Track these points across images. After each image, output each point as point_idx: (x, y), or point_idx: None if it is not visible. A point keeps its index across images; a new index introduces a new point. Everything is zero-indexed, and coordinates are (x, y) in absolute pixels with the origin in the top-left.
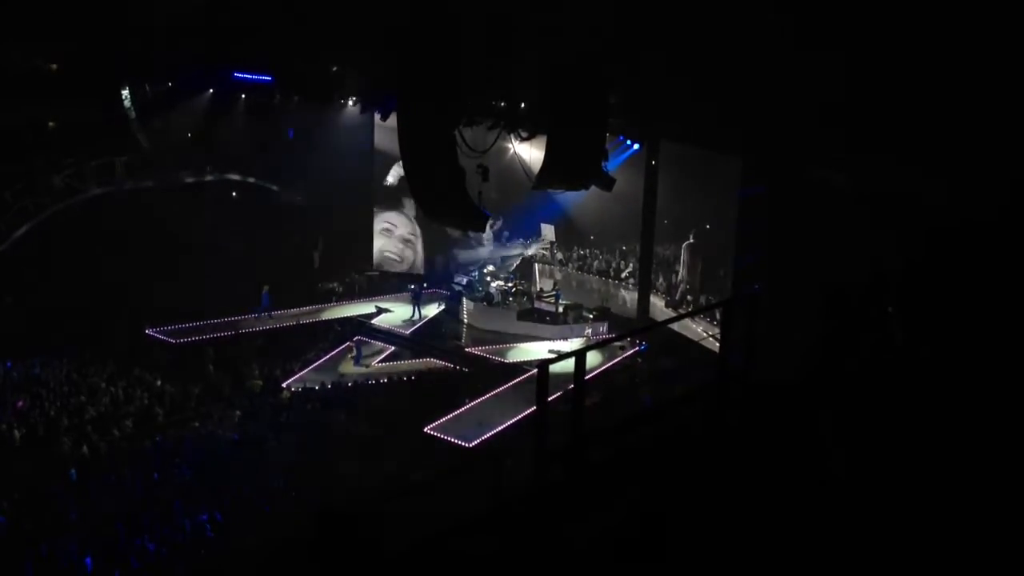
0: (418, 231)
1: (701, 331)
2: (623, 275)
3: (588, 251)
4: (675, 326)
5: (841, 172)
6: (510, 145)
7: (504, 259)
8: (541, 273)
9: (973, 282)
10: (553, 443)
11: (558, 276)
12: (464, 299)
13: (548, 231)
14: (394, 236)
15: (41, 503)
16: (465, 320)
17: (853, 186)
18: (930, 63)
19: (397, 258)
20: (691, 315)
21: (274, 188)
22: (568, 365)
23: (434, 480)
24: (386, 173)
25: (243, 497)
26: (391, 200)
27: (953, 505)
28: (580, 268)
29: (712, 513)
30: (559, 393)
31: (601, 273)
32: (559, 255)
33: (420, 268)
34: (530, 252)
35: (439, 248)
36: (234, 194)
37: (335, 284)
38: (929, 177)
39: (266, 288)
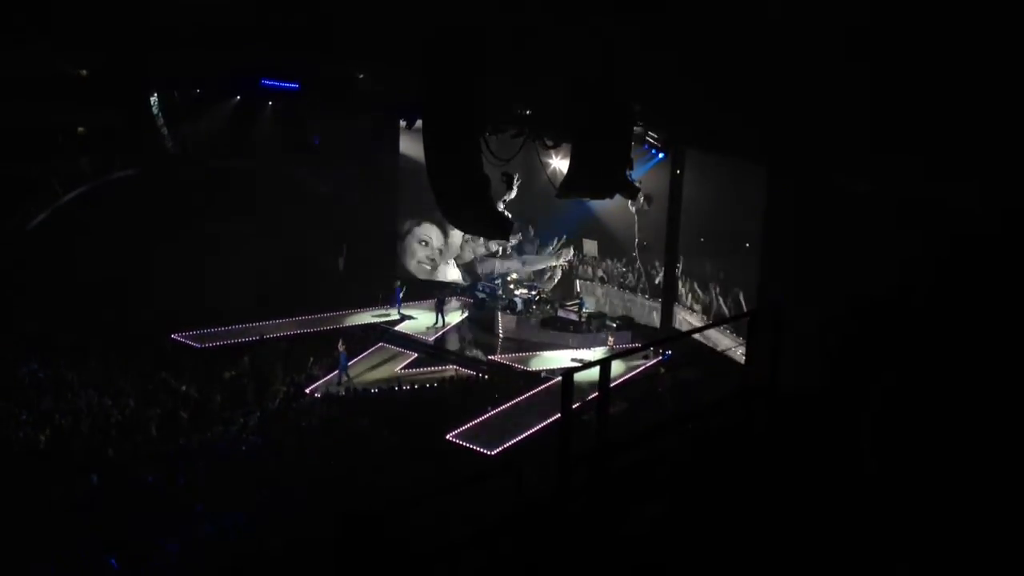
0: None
1: (728, 343)
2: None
3: (632, 267)
4: (699, 336)
5: (865, 178)
6: (551, 161)
7: (538, 272)
8: (582, 288)
9: (1005, 293)
10: (577, 451)
11: (599, 292)
12: (499, 313)
13: (591, 247)
14: (430, 247)
15: (65, 505)
16: (501, 334)
17: (879, 192)
18: (958, 61)
19: (428, 266)
20: (715, 325)
21: (299, 191)
22: (591, 374)
23: (457, 486)
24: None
25: (265, 501)
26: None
27: (985, 512)
28: (622, 285)
29: (737, 521)
30: (581, 403)
31: (644, 291)
32: (600, 272)
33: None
34: (562, 261)
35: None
36: (258, 196)
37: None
38: (958, 180)
39: (399, 283)
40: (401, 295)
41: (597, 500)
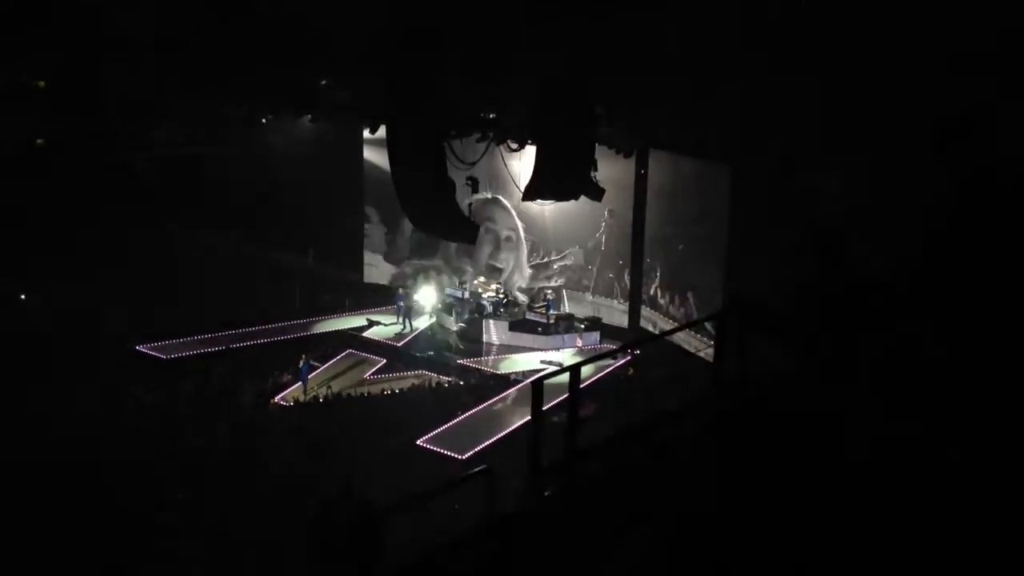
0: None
1: (697, 344)
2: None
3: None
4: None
5: (833, 176)
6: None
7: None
8: (571, 299)
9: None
10: (548, 458)
11: (589, 298)
12: (491, 321)
13: (577, 255)
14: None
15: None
16: (496, 342)
17: (849, 190)
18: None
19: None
20: (683, 328)
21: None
22: (560, 375)
23: (430, 494)
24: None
25: (237, 512)
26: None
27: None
28: (607, 294)
29: (711, 526)
30: (550, 404)
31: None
32: (585, 280)
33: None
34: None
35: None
36: (220, 203)
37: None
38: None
39: (401, 290)
40: (402, 303)
41: (567, 509)
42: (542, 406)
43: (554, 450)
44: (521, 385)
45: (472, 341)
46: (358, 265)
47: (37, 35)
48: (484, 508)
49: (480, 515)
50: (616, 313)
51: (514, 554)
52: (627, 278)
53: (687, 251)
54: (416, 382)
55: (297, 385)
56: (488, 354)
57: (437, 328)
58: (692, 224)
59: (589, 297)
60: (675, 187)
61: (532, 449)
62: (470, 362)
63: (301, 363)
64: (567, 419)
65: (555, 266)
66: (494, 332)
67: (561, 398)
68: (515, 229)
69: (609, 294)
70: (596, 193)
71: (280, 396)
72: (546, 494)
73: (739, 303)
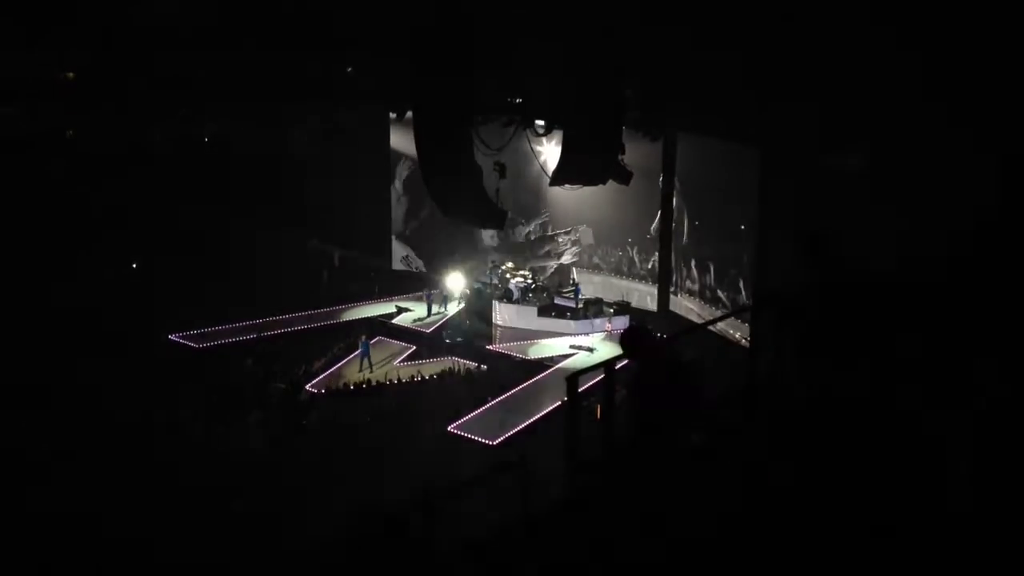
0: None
1: (723, 326)
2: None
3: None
4: (694, 317)
5: (856, 154)
6: (541, 149)
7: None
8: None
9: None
10: (584, 454)
11: (596, 279)
12: (496, 302)
13: (587, 234)
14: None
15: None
16: (499, 323)
17: (872, 168)
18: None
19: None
20: (723, 318)
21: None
22: (588, 357)
23: (470, 484)
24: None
25: (270, 501)
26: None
27: None
28: (618, 272)
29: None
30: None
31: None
32: (596, 259)
33: None
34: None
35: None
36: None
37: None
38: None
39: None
40: (432, 294)
41: (606, 506)
42: (578, 401)
43: (586, 437)
44: (550, 371)
45: (487, 323)
46: (385, 252)
47: (64, 30)
48: (518, 498)
49: (515, 506)
50: (631, 291)
51: (550, 549)
52: (635, 255)
53: (707, 226)
54: (446, 368)
55: (331, 370)
56: (498, 337)
57: (465, 314)
58: (719, 205)
59: (598, 277)
60: (702, 169)
61: (569, 445)
62: (499, 348)
63: (361, 341)
64: (602, 418)
65: (560, 240)
66: (501, 314)
67: (590, 383)
68: None
69: (618, 271)
70: (624, 177)
71: (311, 383)
72: (582, 490)
73: (773, 295)
